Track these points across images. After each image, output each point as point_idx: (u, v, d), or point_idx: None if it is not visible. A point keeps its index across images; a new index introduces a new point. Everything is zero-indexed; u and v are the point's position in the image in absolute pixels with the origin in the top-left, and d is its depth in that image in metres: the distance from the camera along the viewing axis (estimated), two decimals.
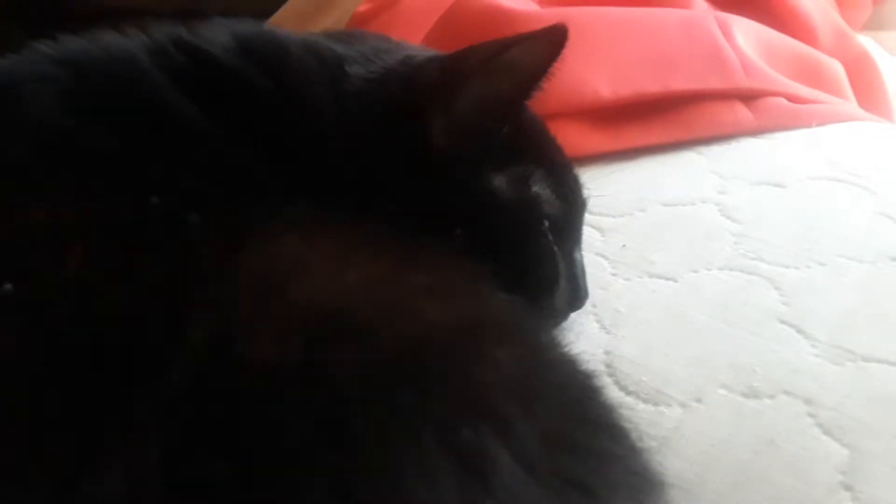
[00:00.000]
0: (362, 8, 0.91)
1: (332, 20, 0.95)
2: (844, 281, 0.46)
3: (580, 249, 0.47)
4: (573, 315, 0.46)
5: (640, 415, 0.40)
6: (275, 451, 0.22)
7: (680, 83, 0.66)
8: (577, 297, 0.45)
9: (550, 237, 0.42)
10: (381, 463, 0.22)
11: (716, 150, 0.62)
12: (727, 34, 0.68)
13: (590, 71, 0.67)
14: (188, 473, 0.21)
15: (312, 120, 0.37)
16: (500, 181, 0.41)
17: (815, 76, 0.74)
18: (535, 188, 0.42)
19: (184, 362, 0.23)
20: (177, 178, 0.30)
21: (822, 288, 0.46)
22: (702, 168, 0.61)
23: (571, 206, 0.45)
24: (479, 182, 0.40)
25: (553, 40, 0.38)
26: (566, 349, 0.32)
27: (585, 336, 0.46)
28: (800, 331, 0.43)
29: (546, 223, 0.42)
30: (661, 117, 0.66)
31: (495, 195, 0.40)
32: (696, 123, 0.64)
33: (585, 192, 0.47)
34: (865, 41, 1.00)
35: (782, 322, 0.44)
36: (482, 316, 0.29)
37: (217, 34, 0.39)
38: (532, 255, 0.42)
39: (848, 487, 0.34)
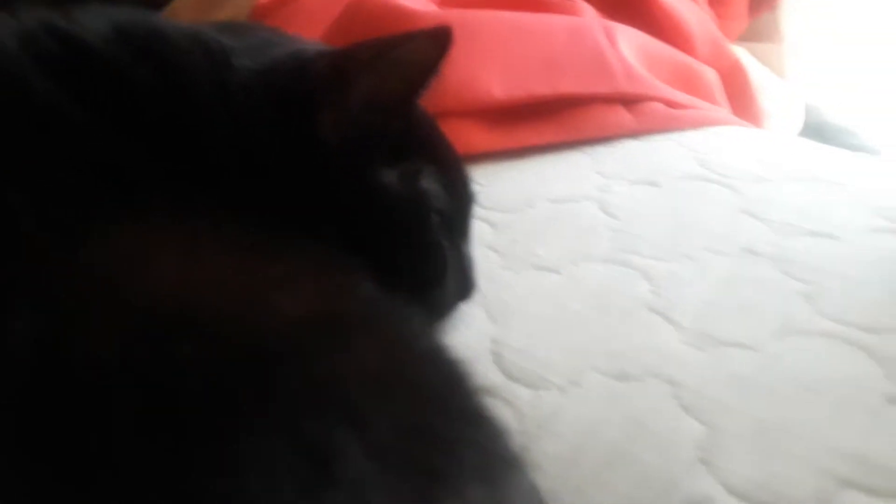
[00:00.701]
0: (263, 1, 0.89)
1: (231, 12, 0.92)
2: (709, 273, 0.50)
3: (470, 243, 0.48)
4: (463, 306, 0.48)
5: (522, 399, 0.42)
6: (103, 453, 0.21)
7: (568, 86, 0.69)
8: (465, 288, 0.47)
9: (439, 231, 0.44)
10: (215, 460, 0.22)
11: (600, 150, 0.66)
12: (612, 41, 0.72)
13: (484, 72, 0.69)
14: (11, 476, 0.21)
15: (193, 112, 0.37)
16: (389, 176, 0.41)
17: (691, 83, 0.80)
18: (425, 184, 0.43)
19: (5, 359, 0.22)
20: (33, 169, 0.29)
21: (688, 279, 0.49)
22: (586, 167, 0.64)
23: (460, 201, 0.46)
24: (368, 177, 0.40)
25: (438, 41, 0.39)
26: (435, 340, 0.33)
27: (474, 326, 0.47)
28: (667, 319, 0.46)
29: (435, 218, 0.43)
30: (551, 118, 0.69)
31: (384, 190, 0.41)
32: (583, 125, 0.68)
33: (477, 188, 0.49)
34: (741, 52, 1.09)
35: (652, 311, 0.47)
36: (342, 308, 0.29)
37: (94, 21, 0.38)
38: (420, 248, 0.43)
39: (705, 462, 0.37)
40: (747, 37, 1.14)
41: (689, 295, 0.48)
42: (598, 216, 0.57)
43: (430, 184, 0.43)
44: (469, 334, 0.46)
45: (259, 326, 0.25)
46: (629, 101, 0.69)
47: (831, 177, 0.59)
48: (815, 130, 1.05)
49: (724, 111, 0.77)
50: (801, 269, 0.48)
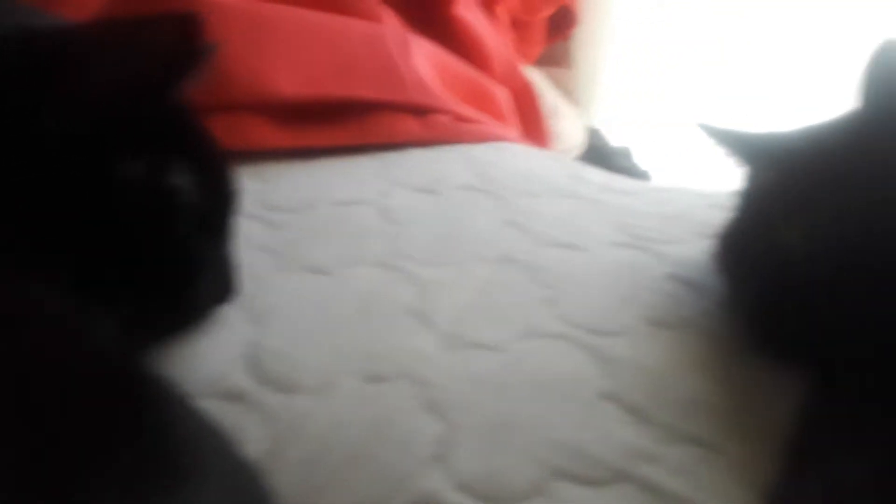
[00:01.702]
0: None
1: None
2: (470, 279, 0.53)
3: (230, 243, 0.47)
4: (224, 309, 0.46)
5: (272, 404, 0.41)
6: None
7: (359, 91, 0.70)
8: (223, 291, 0.45)
9: (190, 230, 0.42)
10: None
11: (387, 156, 0.67)
12: (405, 52, 0.74)
13: (275, 67, 0.68)
14: None
15: None
16: (132, 170, 0.39)
17: (481, 99, 0.85)
18: (175, 179, 0.41)
19: None
20: None
21: (451, 285, 0.52)
22: (372, 172, 0.65)
23: (218, 199, 0.45)
24: (103, 169, 0.37)
25: (185, 27, 0.37)
26: (116, 349, 0.31)
27: (231, 329, 0.46)
28: (426, 322, 0.48)
29: (185, 216, 0.41)
30: (341, 121, 0.69)
31: (124, 184, 0.38)
32: (372, 130, 0.69)
33: (258, 187, 0.48)
34: (537, 75, 1.17)
35: (413, 314, 0.49)
36: None
37: None
38: (166, 248, 0.40)
39: (439, 459, 0.39)
40: (544, 61, 1.24)
41: (449, 299, 0.50)
42: (376, 221, 0.58)
43: (181, 179, 0.41)
44: (224, 337, 0.45)
45: None
46: (418, 111, 0.72)
47: (589, 194, 0.66)
48: (596, 152, 1.17)
49: (508, 128, 0.82)
50: (548, 276, 0.53)
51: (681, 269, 0.55)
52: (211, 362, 0.43)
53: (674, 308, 0.51)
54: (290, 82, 0.67)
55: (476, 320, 0.49)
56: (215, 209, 0.44)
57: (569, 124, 1.13)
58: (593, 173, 0.72)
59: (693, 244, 0.57)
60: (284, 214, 0.59)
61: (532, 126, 0.98)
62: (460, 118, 0.74)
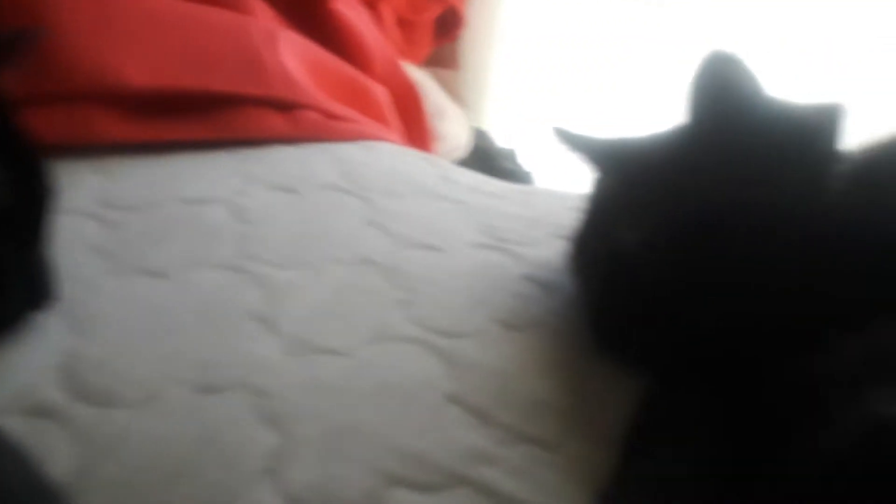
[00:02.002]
0: None
1: None
2: (324, 281, 0.51)
3: (48, 244, 0.43)
4: (39, 316, 0.42)
5: (85, 420, 0.38)
6: None
7: (218, 84, 0.67)
8: (38, 297, 0.41)
9: None
10: None
11: (246, 153, 0.64)
12: (271, 46, 0.71)
13: (122, 56, 0.63)
14: None
15: None
16: None
17: (358, 98, 0.83)
18: None
19: None
20: None
21: (302, 287, 0.50)
22: (229, 169, 0.62)
23: (32, 197, 0.41)
24: None
25: None
26: None
27: (47, 338, 0.42)
28: (271, 327, 0.46)
29: None
30: (197, 115, 0.66)
31: None
32: (230, 125, 0.66)
33: (94, 184, 0.44)
34: (424, 75, 1.17)
35: (258, 319, 0.46)
36: None
37: None
38: None
39: (271, 472, 0.37)
40: (431, 62, 1.24)
41: (299, 303, 0.48)
42: (227, 221, 0.55)
43: None
44: (37, 347, 0.41)
45: None
46: (284, 107, 0.69)
47: (456, 196, 0.65)
48: (482, 153, 1.17)
49: (385, 128, 0.81)
50: (405, 278, 0.52)
51: (537, 271, 0.55)
52: (19, 375, 0.39)
53: (526, 310, 0.51)
54: (139, 72, 0.63)
55: (325, 324, 0.47)
56: (28, 208, 0.40)
57: (455, 125, 1.13)
58: (463, 175, 0.72)
59: (552, 246, 0.57)
60: (124, 213, 0.55)
61: (414, 126, 0.97)
62: (331, 115, 0.72)
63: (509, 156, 1.21)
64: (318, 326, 0.47)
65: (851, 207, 0.38)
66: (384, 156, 0.70)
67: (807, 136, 0.42)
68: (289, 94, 0.69)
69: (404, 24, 1.13)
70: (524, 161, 1.22)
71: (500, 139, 1.28)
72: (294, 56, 0.74)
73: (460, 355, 0.46)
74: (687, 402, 0.41)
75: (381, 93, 0.88)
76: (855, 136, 0.43)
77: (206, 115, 0.66)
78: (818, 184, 0.40)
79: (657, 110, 1.21)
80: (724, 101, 0.42)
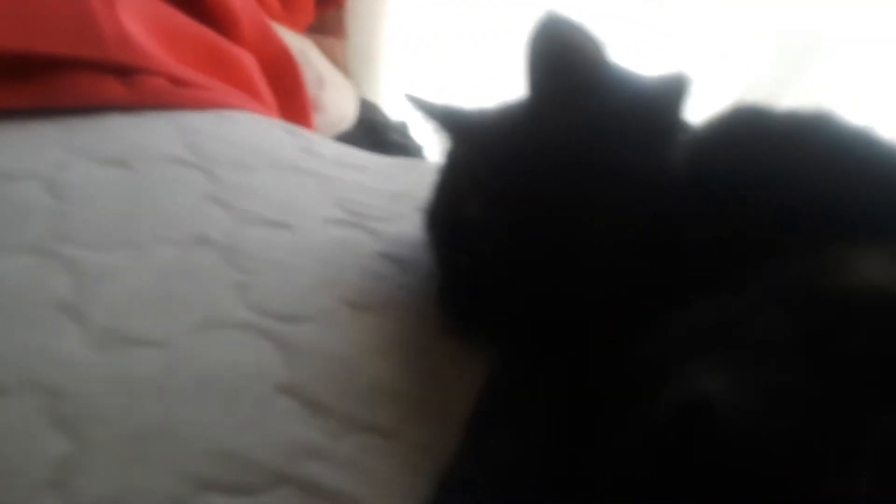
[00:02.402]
0: None
1: None
2: (149, 263, 0.46)
3: None
4: None
5: None
6: None
7: (44, 45, 0.59)
8: None
9: None
10: None
11: (74, 123, 0.57)
12: (108, 6, 0.64)
13: None
14: None
15: None
16: None
17: (220, 64, 0.76)
18: None
19: None
20: None
21: (123, 272, 0.44)
22: (51, 141, 0.55)
23: None
24: None
25: None
26: None
27: None
28: (78, 318, 0.40)
29: None
30: (20, 80, 0.58)
31: None
32: (58, 92, 0.58)
33: None
34: (307, 43, 1.10)
35: (62, 309, 0.41)
36: None
37: None
38: None
39: (58, 485, 0.32)
40: (317, 29, 1.17)
41: (116, 289, 0.43)
42: (41, 198, 0.49)
43: None
44: None
45: None
46: (123, 72, 0.62)
47: (317, 169, 0.61)
48: (370, 125, 1.13)
49: (243, 96, 0.74)
50: (247, 258, 0.48)
51: (394, 248, 0.52)
52: None
53: (377, 289, 0.48)
54: None
55: (143, 313, 0.42)
56: None
57: (339, 96, 1.08)
58: (329, 147, 0.68)
59: (415, 221, 0.54)
60: None
61: (289, 96, 0.91)
62: (180, 82, 0.66)
63: (400, 128, 1.17)
64: (134, 315, 0.42)
65: (689, 182, 0.37)
66: (240, 126, 0.65)
67: (650, 106, 0.40)
68: (128, 57, 0.62)
69: None
70: (416, 134, 1.19)
71: (392, 111, 1.24)
72: (137, 17, 0.67)
73: (298, 341, 0.42)
74: (529, 381, 0.39)
75: (248, 60, 0.82)
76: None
77: (31, 80, 0.58)
78: (659, 156, 0.39)
79: None
80: (562, 69, 0.40)
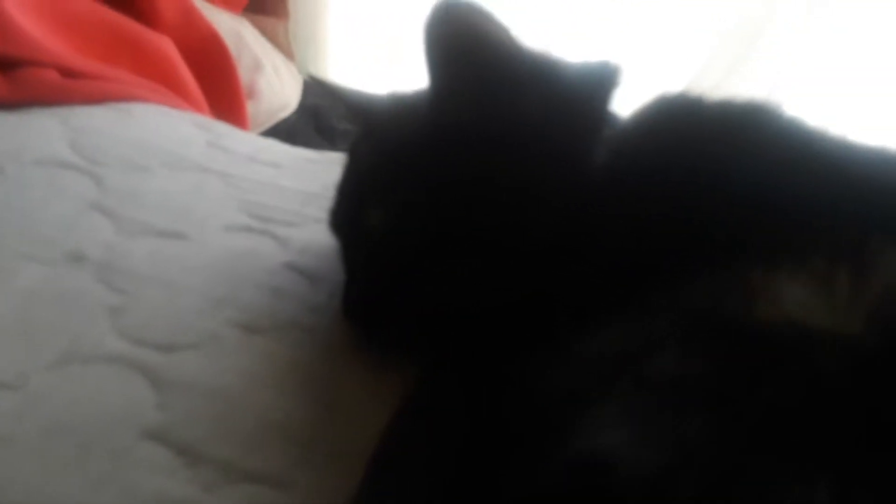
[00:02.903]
0: None
1: None
2: (8, 288, 0.40)
3: None
4: None
5: None
6: None
7: None
8: None
9: None
10: None
11: None
12: None
13: None
14: None
15: None
16: None
17: (133, 52, 0.70)
18: None
19: None
20: None
21: None
22: None
23: None
24: None
25: None
26: None
27: None
28: None
29: None
30: None
31: None
32: None
33: None
34: (244, 24, 1.03)
35: None
36: None
37: None
38: None
39: None
40: (256, 9, 1.10)
41: None
42: None
43: None
44: None
45: None
46: (5, 65, 0.56)
47: (223, 168, 0.55)
48: (313, 110, 1.06)
49: (152, 85, 0.68)
50: (126, 277, 0.42)
51: (303, 258, 0.47)
52: None
53: (278, 307, 0.42)
54: None
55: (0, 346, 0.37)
56: None
57: (277, 80, 1.01)
58: (243, 141, 0.62)
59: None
60: None
61: (218, 83, 0.85)
62: (72, 73, 0.59)
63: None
64: None
65: (608, 183, 0.32)
66: (139, 121, 0.59)
67: (571, 97, 0.35)
68: (12, 48, 0.56)
69: None
70: None
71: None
72: (27, 4, 0.60)
73: (175, 374, 0.37)
74: (438, 408, 0.34)
75: (167, 45, 0.75)
76: None
77: None
78: (580, 155, 0.34)
79: None
80: (465, 58, 0.34)
